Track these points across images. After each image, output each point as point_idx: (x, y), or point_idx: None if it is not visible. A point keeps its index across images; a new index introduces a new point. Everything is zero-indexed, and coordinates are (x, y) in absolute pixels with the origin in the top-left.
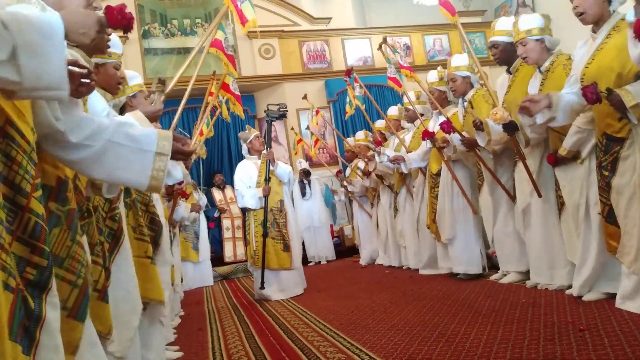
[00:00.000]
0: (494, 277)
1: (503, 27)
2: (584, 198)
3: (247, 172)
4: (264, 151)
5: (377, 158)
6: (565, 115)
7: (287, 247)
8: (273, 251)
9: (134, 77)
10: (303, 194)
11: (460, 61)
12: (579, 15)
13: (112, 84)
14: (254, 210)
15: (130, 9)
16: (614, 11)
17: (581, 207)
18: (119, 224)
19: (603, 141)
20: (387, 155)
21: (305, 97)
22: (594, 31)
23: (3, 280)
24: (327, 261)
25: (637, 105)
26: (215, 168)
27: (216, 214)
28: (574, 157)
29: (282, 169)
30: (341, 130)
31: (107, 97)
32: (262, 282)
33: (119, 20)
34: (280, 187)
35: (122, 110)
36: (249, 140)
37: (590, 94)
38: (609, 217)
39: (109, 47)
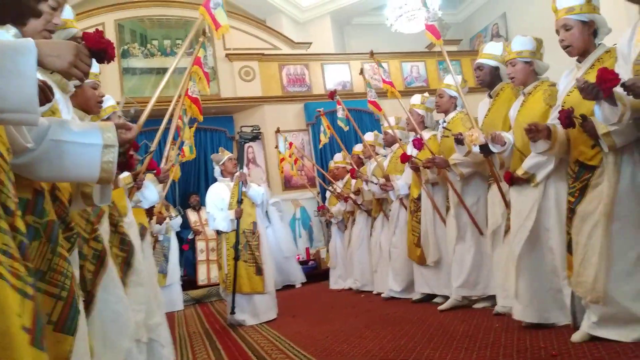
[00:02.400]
0: (442, 306)
1: (491, 51)
2: (530, 222)
3: (219, 194)
4: (237, 173)
5: (364, 186)
6: (563, 148)
7: (259, 271)
8: (245, 275)
9: (107, 100)
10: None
11: (451, 80)
12: (565, 48)
13: (91, 104)
14: (226, 233)
15: (110, 28)
16: (599, 44)
17: (524, 229)
18: (103, 245)
19: (575, 168)
20: (375, 184)
21: (277, 131)
22: (579, 61)
23: (20, 288)
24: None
25: (609, 133)
26: (191, 189)
27: (190, 236)
28: (529, 179)
29: (255, 190)
30: (319, 153)
31: (86, 119)
32: (233, 307)
33: (98, 41)
34: (253, 209)
35: None
36: (221, 163)
37: (565, 118)
38: (570, 247)
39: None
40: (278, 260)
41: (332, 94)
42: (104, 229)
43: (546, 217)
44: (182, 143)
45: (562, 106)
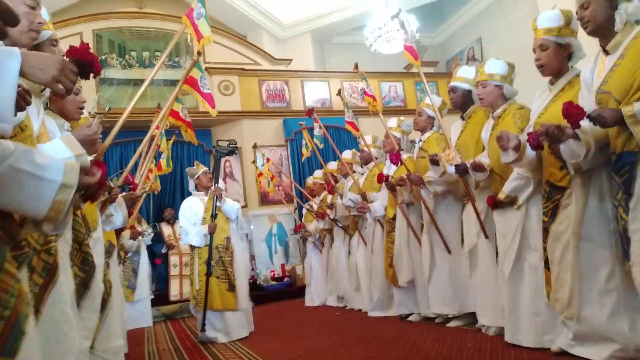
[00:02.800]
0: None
1: (464, 75)
2: (516, 244)
3: (192, 208)
4: (212, 187)
5: (339, 200)
6: (530, 160)
7: (232, 287)
8: (217, 291)
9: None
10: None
11: (430, 101)
12: (539, 67)
13: (72, 110)
14: (199, 248)
15: (88, 38)
16: (572, 66)
17: (511, 251)
18: (55, 258)
19: (547, 188)
20: (352, 200)
21: (255, 146)
22: (552, 83)
23: None
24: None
25: None
26: (166, 202)
27: (164, 250)
28: (511, 202)
29: (230, 205)
30: (298, 168)
31: (65, 126)
32: (203, 324)
33: (86, 53)
34: (227, 224)
35: None
36: (196, 176)
37: (533, 140)
38: (547, 263)
39: (73, 89)
40: None
41: (309, 112)
42: (65, 239)
43: (531, 237)
44: (159, 156)
45: (534, 128)
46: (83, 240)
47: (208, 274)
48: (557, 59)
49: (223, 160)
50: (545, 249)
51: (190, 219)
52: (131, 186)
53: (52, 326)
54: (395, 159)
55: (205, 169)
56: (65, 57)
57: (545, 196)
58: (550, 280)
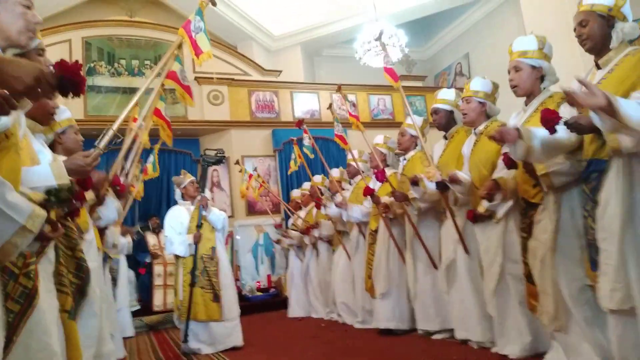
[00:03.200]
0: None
1: (445, 97)
2: (499, 257)
3: (178, 218)
4: (198, 197)
5: (323, 211)
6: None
7: (217, 297)
8: (202, 301)
9: (63, 112)
10: None
11: (412, 121)
12: (513, 87)
13: (42, 114)
14: (184, 258)
15: (77, 45)
16: (544, 88)
17: (495, 264)
18: (34, 282)
19: (523, 205)
20: (334, 203)
21: (237, 163)
22: (526, 104)
23: None
24: None
25: (547, 174)
26: (152, 211)
27: (148, 259)
28: (490, 215)
29: (216, 215)
30: (285, 180)
31: (37, 128)
32: (186, 335)
33: (75, 73)
34: (212, 233)
35: (51, 148)
36: (182, 186)
37: (507, 159)
38: (530, 277)
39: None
40: None
41: (299, 123)
42: (48, 259)
43: (512, 249)
44: (146, 160)
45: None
46: (76, 246)
47: (192, 284)
48: (529, 80)
49: (210, 169)
50: (526, 264)
51: (176, 228)
52: (118, 187)
53: (26, 356)
54: (381, 176)
55: (192, 178)
56: (51, 69)
57: (522, 213)
58: (533, 293)
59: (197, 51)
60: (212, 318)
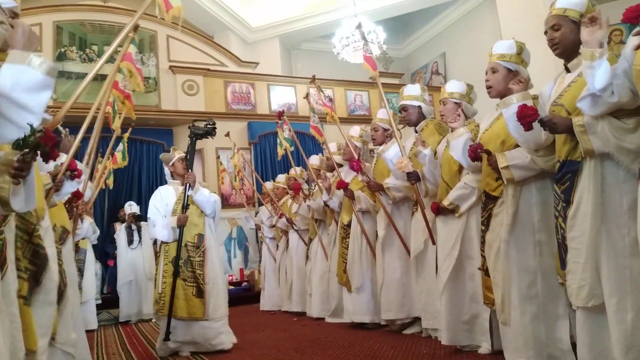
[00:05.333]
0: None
1: (411, 93)
2: (456, 251)
3: (163, 198)
4: (186, 175)
5: (305, 204)
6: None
7: (200, 293)
8: (183, 296)
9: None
10: (130, 241)
11: (384, 115)
12: (488, 88)
13: None
14: (166, 244)
15: (48, 29)
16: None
17: (450, 257)
18: (4, 249)
19: (483, 198)
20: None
21: (227, 135)
22: (499, 104)
23: None
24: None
25: (507, 167)
26: (122, 202)
27: (116, 251)
28: (453, 210)
29: (204, 195)
30: (261, 172)
31: None
32: (167, 332)
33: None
34: (200, 218)
35: None
36: (171, 163)
37: (472, 152)
38: (487, 270)
39: None
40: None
41: (280, 114)
42: (10, 227)
43: (469, 245)
44: (115, 148)
45: (479, 141)
46: (34, 231)
47: (175, 274)
48: (504, 82)
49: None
50: (484, 257)
51: (160, 209)
52: (75, 172)
53: None
54: (356, 165)
55: (182, 154)
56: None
57: (482, 206)
58: (489, 285)
59: (167, 6)
60: (193, 316)
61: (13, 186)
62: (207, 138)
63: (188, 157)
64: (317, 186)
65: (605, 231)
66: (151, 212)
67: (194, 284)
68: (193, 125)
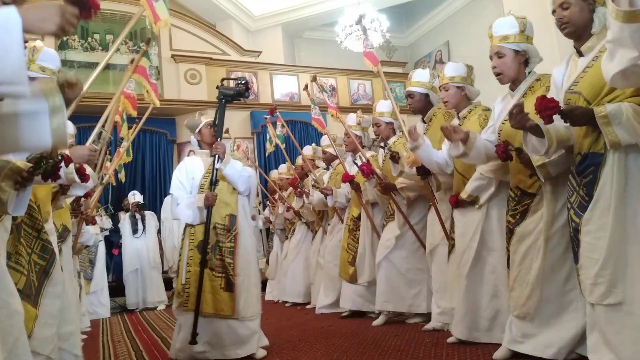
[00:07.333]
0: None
1: (419, 79)
2: (475, 243)
3: (189, 171)
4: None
5: (305, 199)
6: (477, 155)
7: (229, 285)
8: (209, 288)
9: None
10: (134, 230)
11: (384, 107)
12: (497, 75)
13: None
14: (191, 226)
15: None
16: (529, 72)
17: (470, 249)
18: None
19: (517, 192)
20: (315, 187)
21: (227, 132)
22: (512, 89)
23: None
24: (166, 306)
25: (544, 165)
26: (126, 192)
27: (121, 240)
28: (473, 201)
29: (235, 169)
30: (263, 161)
31: None
32: (194, 334)
33: None
34: (233, 196)
35: None
36: (198, 130)
37: (502, 152)
38: (509, 263)
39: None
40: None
41: (272, 110)
42: (4, 227)
43: (490, 237)
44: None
45: (499, 134)
46: (41, 228)
47: (202, 263)
48: (513, 66)
49: (187, 150)
50: (507, 250)
51: (186, 184)
52: (84, 177)
53: None
54: (367, 169)
55: (208, 120)
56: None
57: (515, 199)
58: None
59: (156, 18)
60: (220, 313)
61: (12, 191)
62: (239, 100)
63: (217, 123)
64: (313, 178)
65: (631, 225)
66: (174, 187)
67: (222, 275)
68: (222, 85)
